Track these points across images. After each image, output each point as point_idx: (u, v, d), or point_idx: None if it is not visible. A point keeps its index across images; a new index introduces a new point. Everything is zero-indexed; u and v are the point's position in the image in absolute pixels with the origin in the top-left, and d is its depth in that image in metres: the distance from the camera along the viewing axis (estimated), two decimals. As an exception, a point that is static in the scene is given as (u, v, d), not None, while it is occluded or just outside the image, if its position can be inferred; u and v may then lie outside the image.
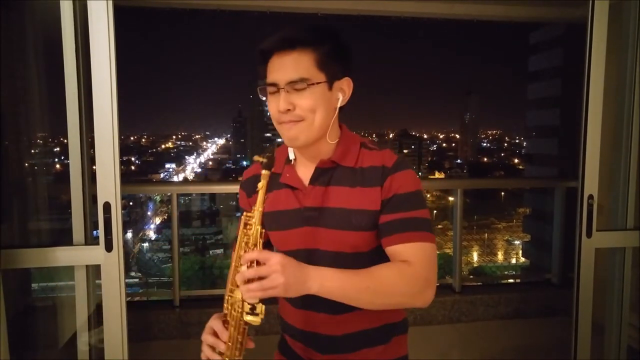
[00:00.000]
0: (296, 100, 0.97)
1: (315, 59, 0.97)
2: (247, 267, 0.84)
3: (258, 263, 0.84)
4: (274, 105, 0.98)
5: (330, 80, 0.99)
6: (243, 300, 0.86)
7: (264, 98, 1.01)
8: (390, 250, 0.98)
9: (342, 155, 1.04)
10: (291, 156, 1.09)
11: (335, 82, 1.01)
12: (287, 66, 0.96)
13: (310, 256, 1.02)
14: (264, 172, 0.89)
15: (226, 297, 0.92)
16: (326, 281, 0.88)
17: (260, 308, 0.85)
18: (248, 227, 0.89)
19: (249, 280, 0.83)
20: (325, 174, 1.03)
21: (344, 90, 1.03)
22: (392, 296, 0.93)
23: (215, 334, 0.93)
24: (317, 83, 0.97)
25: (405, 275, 0.93)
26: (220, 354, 0.92)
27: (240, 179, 1.21)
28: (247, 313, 0.85)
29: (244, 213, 0.91)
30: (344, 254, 1.01)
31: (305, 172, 1.06)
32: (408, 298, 0.94)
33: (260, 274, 0.82)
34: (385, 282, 0.92)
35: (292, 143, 1.01)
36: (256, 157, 0.93)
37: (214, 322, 0.94)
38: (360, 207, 1.00)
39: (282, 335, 1.18)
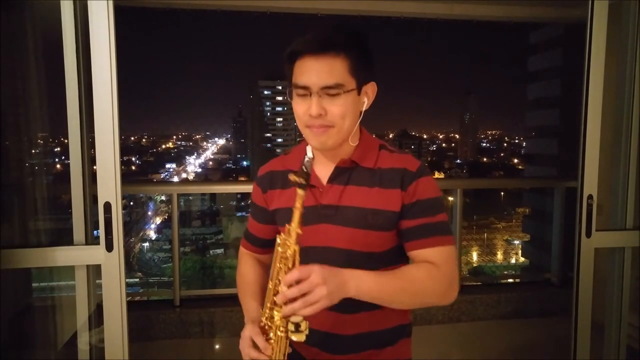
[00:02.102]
0: (328, 106, 0.96)
1: (348, 64, 0.97)
2: (288, 287, 0.84)
3: (298, 281, 0.84)
4: (303, 108, 0.98)
5: (360, 86, 1.00)
6: (287, 320, 0.86)
7: (290, 100, 1.01)
8: (416, 253, 1.00)
9: (362, 156, 1.05)
10: (309, 154, 1.08)
11: (363, 87, 1.02)
12: (320, 70, 0.95)
13: (323, 253, 1.02)
14: (299, 192, 0.86)
15: (265, 314, 0.93)
16: (362, 283, 0.89)
17: (305, 325, 0.85)
18: (285, 247, 0.89)
19: (291, 300, 0.84)
20: (344, 173, 1.04)
21: (368, 94, 1.04)
22: (423, 296, 0.96)
23: (255, 346, 0.92)
24: (351, 90, 0.97)
25: (434, 276, 0.96)
26: None
27: (241, 178, 1.21)
28: (292, 332, 0.86)
29: (280, 234, 0.91)
30: (357, 253, 1.02)
31: (322, 170, 1.07)
32: (436, 298, 0.97)
33: (303, 292, 0.83)
34: (417, 283, 0.95)
35: (321, 147, 1.02)
36: (292, 177, 0.88)
37: (256, 336, 0.92)
38: (377, 207, 1.01)
39: None
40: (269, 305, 0.92)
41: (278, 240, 0.90)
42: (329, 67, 0.95)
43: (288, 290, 0.83)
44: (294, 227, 0.87)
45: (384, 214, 1.01)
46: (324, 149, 1.02)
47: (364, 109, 1.04)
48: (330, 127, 0.98)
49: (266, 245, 1.19)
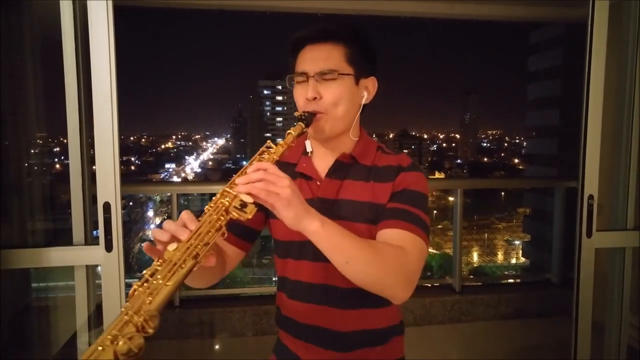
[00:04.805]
0: (323, 90, 1.00)
1: (346, 53, 1.01)
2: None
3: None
4: (301, 94, 1.02)
5: (358, 76, 1.04)
6: (236, 195, 0.78)
7: (291, 88, 1.05)
8: (388, 232, 0.95)
9: (361, 154, 1.08)
10: (308, 148, 1.10)
11: (362, 79, 1.05)
12: (318, 57, 1.01)
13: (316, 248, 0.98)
14: (299, 124, 0.95)
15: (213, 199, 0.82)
16: (327, 223, 0.83)
17: (251, 209, 0.77)
18: (265, 154, 0.88)
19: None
20: (343, 168, 1.06)
21: (368, 89, 1.07)
22: (380, 269, 0.87)
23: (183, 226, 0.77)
24: (346, 74, 1.01)
25: (399, 257, 0.89)
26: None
27: None
28: (236, 208, 0.77)
29: (267, 144, 0.90)
30: None
31: (321, 164, 1.08)
32: (391, 280, 0.88)
33: (268, 178, 0.78)
34: (382, 254, 0.88)
35: (317, 134, 1.04)
36: (297, 113, 1.00)
37: (185, 214, 0.79)
38: (373, 200, 1.02)
39: (278, 338, 1.16)
40: (220, 192, 0.81)
41: (263, 148, 0.90)
42: (325, 54, 1.01)
43: (255, 172, 0.79)
44: (284, 143, 0.90)
45: (379, 207, 1.01)
46: (322, 137, 1.04)
47: (363, 102, 1.06)
48: (322, 113, 1.01)
49: (244, 235, 1.09)
